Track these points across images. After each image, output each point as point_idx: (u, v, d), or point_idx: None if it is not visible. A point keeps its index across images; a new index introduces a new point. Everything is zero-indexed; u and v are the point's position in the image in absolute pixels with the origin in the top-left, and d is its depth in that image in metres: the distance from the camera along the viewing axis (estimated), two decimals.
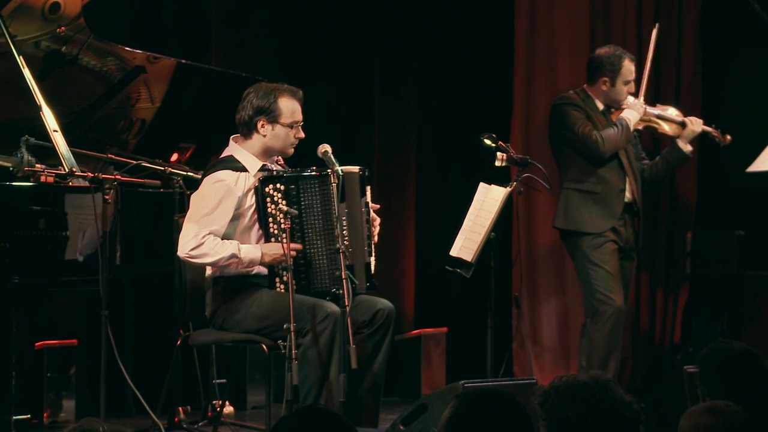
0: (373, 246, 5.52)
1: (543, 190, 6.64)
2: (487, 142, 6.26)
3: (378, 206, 5.60)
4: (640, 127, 6.92)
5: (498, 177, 6.38)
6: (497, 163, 6.31)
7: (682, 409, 3.36)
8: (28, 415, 5.58)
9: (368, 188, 5.52)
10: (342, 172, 5.33)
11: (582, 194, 6.75)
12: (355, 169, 5.49)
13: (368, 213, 5.51)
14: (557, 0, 7.97)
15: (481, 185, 6.17)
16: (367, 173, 5.53)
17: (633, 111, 6.82)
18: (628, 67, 6.78)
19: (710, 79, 8.13)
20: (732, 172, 7.76)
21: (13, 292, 5.31)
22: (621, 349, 6.83)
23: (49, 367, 6.45)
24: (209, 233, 5.28)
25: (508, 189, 6.14)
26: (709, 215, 8.11)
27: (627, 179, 6.81)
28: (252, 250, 5.31)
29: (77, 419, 6.22)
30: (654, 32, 7.08)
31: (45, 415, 6.41)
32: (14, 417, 5.37)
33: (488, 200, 6.12)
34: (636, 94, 6.89)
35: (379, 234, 5.58)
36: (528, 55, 7.96)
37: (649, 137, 7.47)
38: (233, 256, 5.27)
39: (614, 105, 6.84)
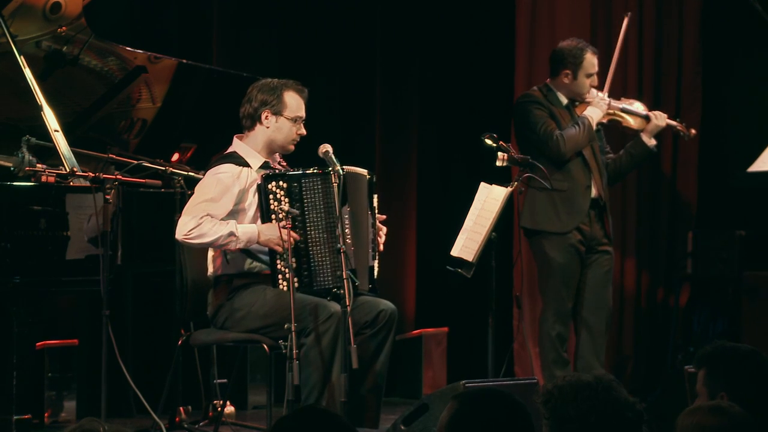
0: (378, 252, 5.53)
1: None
2: (488, 142, 6.25)
3: (384, 216, 5.61)
4: (604, 121, 6.83)
5: (499, 177, 6.38)
6: (498, 163, 6.29)
7: (683, 409, 3.35)
8: (29, 415, 5.58)
9: (375, 196, 5.54)
10: (343, 171, 5.33)
11: (548, 192, 6.66)
12: (361, 170, 5.51)
13: (374, 218, 5.52)
14: (558, 1, 7.97)
15: (482, 185, 6.16)
16: (374, 179, 5.54)
17: (596, 108, 6.73)
18: (590, 60, 6.70)
19: (711, 79, 8.12)
20: (733, 172, 7.76)
21: (14, 291, 5.32)
22: (566, 354, 6.74)
23: (50, 366, 6.45)
24: (207, 215, 5.31)
25: (509, 189, 6.12)
26: (709, 215, 8.10)
27: (592, 175, 6.72)
28: (249, 229, 5.32)
29: (78, 419, 6.21)
30: (625, 22, 6.94)
31: (46, 414, 6.40)
32: (15, 417, 5.38)
33: (489, 200, 6.10)
34: (601, 87, 6.83)
35: (384, 243, 5.59)
36: (528, 55, 7.95)
37: (614, 130, 7.33)
38: (231, 234, 5.29)
39: (577, 98, 6.76)
